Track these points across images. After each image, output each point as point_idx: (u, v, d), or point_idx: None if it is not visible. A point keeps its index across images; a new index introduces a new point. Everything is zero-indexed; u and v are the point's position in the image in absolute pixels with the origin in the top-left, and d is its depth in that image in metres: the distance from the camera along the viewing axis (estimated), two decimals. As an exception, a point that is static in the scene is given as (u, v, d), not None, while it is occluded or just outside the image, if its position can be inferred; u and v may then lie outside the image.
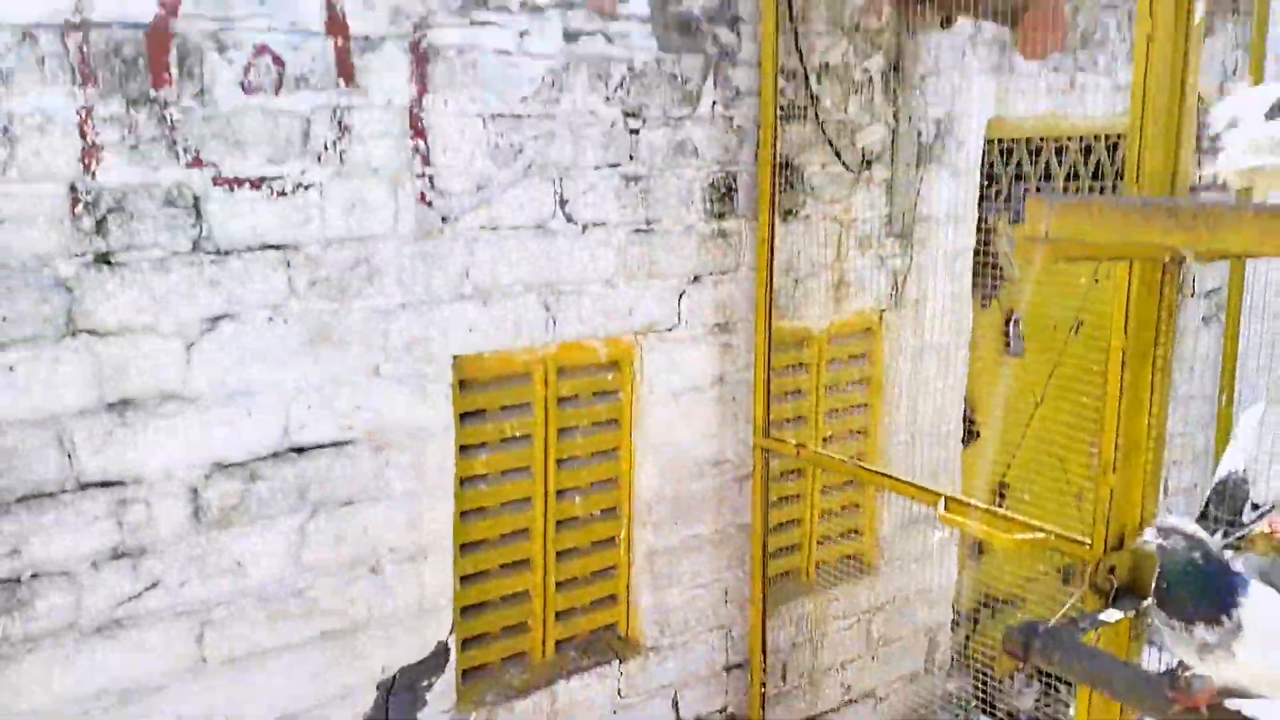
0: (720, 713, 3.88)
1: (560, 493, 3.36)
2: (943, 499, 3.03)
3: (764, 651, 3.83)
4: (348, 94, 2.72)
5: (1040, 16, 3.10)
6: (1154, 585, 1.97)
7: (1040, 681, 4.73)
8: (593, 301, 3.22)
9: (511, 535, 3.28)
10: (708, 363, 3.58)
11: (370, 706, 2.96)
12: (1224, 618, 1.85)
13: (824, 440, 4.04)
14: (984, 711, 4.47)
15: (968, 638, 4.90)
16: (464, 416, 3.10)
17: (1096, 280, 5.20)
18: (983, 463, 4.79)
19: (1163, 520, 2.04)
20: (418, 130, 2.83)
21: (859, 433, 4.24)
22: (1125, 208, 1.94)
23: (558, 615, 3.42)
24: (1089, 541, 2.61)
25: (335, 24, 2.69)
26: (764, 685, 3.85)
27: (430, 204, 2.87)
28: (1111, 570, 2.56)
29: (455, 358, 2.99)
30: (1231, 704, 1.93)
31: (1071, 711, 4.65)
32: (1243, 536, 2.82)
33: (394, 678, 3.00)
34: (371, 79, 2.75)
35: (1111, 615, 2.47)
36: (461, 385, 3.06)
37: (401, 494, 2.94)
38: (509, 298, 3.04)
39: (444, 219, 2.89)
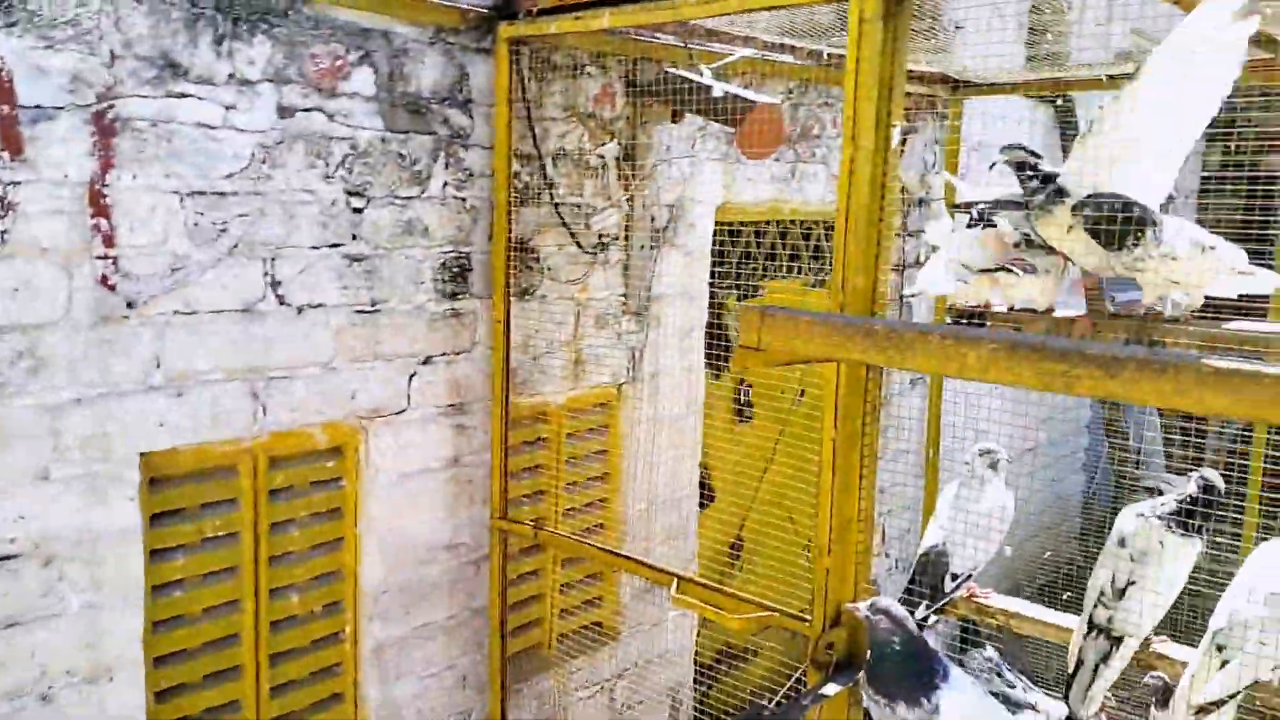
0: (458, 803, 3.63)
1: (275, 591, 2.99)
2: (675, 581, 2.97)
3: (503, 734, 3.63)
4: (13, 168, 2.32)
5: (758, 121, 3.16)
6: (867, 655, 2.00)
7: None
8: (308, 386, 2.92)
9: (217, 642, 2.86)
10: (441, 444, 3.36)
11: None
12: (924, 699, 1.88)
13: (564, 513, 3.91)
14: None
15: (707, 691, 4.91)
16: (157, 517, 2.70)
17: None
18: (718, 522, 4.84)
19: (875, 601, 2.06)
20: (99, 208, 2.46)
21: (599, 502, 4.13)
22: (828, 325, 1.93)
23: (273, 722, 3.07)
24: (809, 619, 2.61)
25: (0, 92, 2.30)
26: (504, 768, 3.64)
27: (113, 287, 2.49)
28: (830, 646, 2.57)
29: (143, 455, 2.59)
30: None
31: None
32: (945, 604, 2.94)
33: (70, 817, 2.55)
34: (43, 152, 2.36)
35: (831, 689, 2.46)
36: (153, 483, 2.66)
37: (78, 609, 2.50)
38: (208, 386, 2.68)
39: (129, 304, 2.52)
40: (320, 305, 2.91)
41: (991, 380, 1.65)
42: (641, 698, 4.38)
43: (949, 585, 2.78)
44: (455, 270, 3.26)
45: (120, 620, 2.57)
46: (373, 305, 3.04)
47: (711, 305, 4.47)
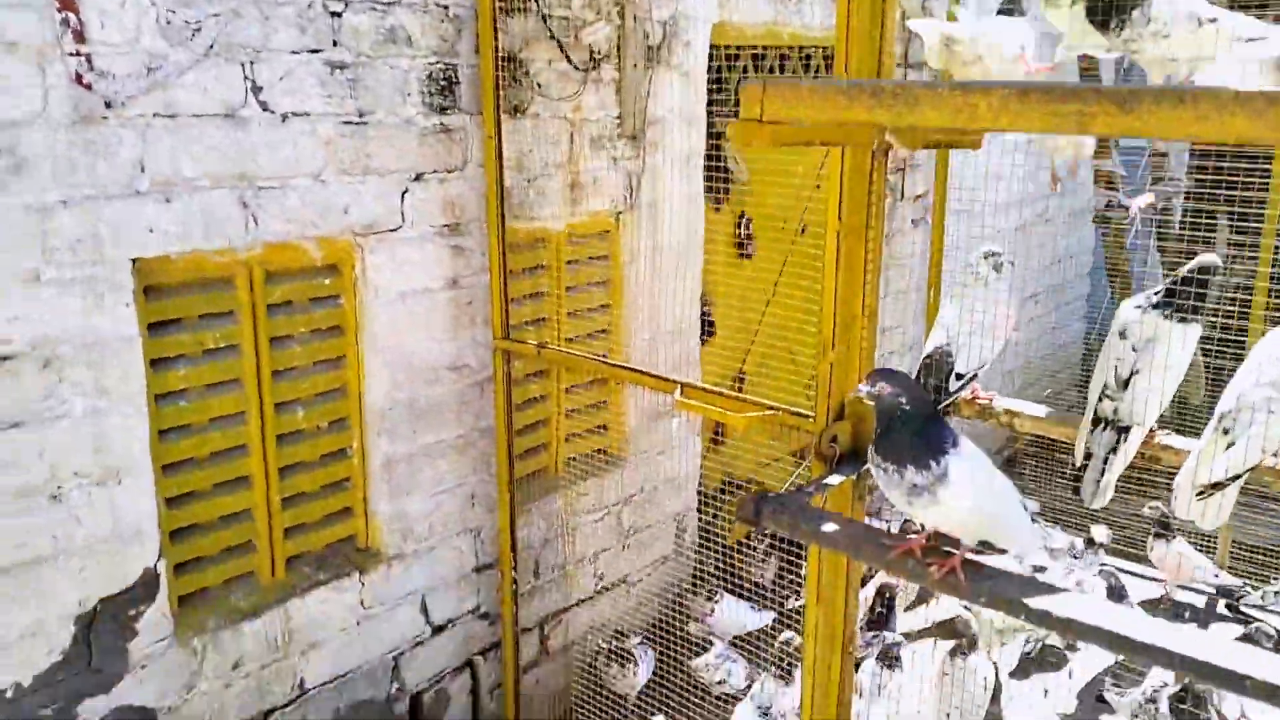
0: (472, 613, 3.69)
1: (280, 405, 2.97)
2: (679, 386, 2.92)
3: (514, 550, 3.65)
4: (-30, -48, 2.17)
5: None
6: (874, 432, 1.94)
7: (779, 554, 4.87)
8: (300, 198, 2.82)
9: (225, 453, 2.86)
10: (439, 265, 3.27)
11: (68, 642, 2.55)
12: (932, 463, 1.84)
13: (566, 341, 3.86)
14: (729, 586, 4.53)
15: (713, 519, 4.97)
16: (156, 327, 2.64)
17: (819, 186, 5.27)
18: (720, 357, 4.79)
19: (878, 370, 1.99)
20: (66, 1, 2.31)
21: (601, 333, 4.07)
22: (832, 87, 1.81)
23: (287, 532, 3.06)
24: (813, 415, 2.57)
25: None
26: (515, 582, 3.68)
27: (89, 86, 2.36)
28: (834, 439, 2.54)
29: (136, 261, 2.52)
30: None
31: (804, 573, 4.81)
32: (950, 403, 2.88)
33: (94, 610, 2.58)
34: (0, -65, 2.20)
35: (834, 479, 2.44)
36: (148, 292, 2.60)
37: (83, 413, 2.47)
38: (196, 193, 2.58)
39: (108, 103, 2.39)
40: (305, 114, 2.78)
41: (1003, 127, 1.54)
42: (648, 523, 4.43)
43: (953, 384, 2.72)
44: (442, 83, 3.10)
45: (126, 425, 2.55)
46: (359, 116, 2.90)
47: (710, 133, 4.29)
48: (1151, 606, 4.77)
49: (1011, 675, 4.59)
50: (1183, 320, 2.33)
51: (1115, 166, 7.28)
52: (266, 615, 2.96)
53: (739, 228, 4.87)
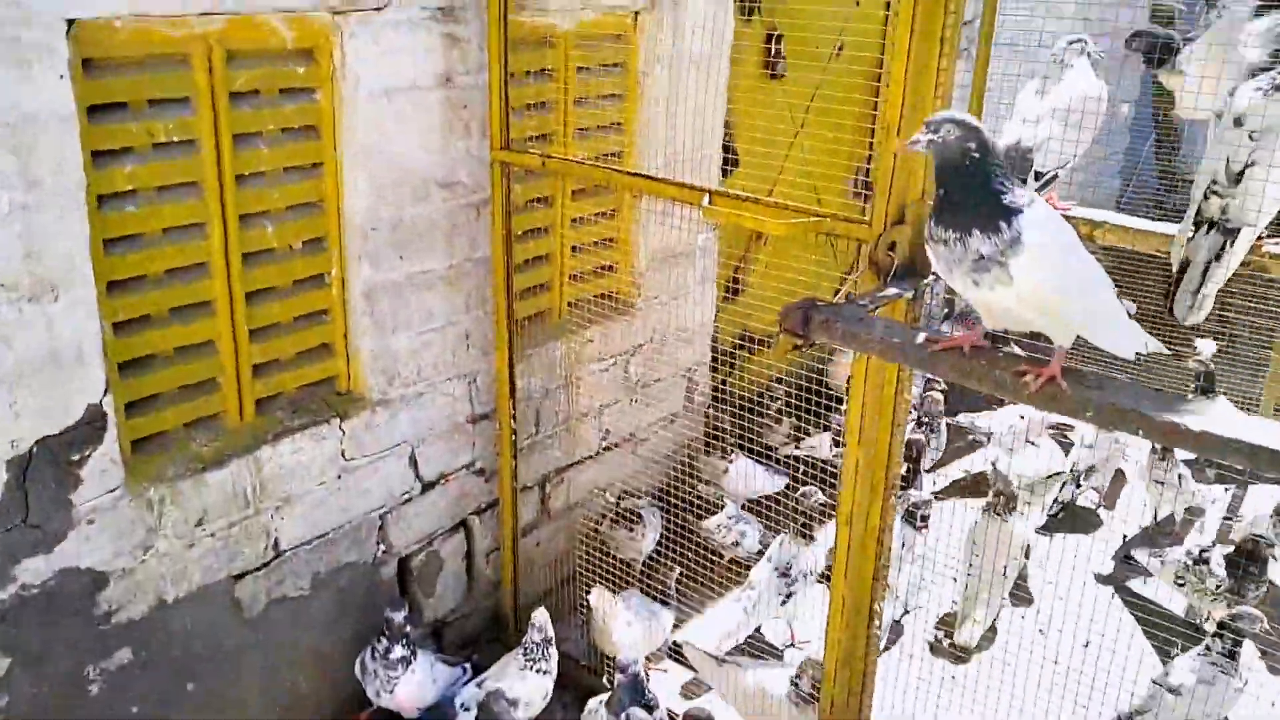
0: (467, 468, 3.48)
1: (246, 218, 2.65)
2: (707, 194, 2.63)
3: (513, 399, 3.42)
4: None
5: None
6: (935, 199, 1.67)
7: (790, 417, 4.70)
8: (265, -42, 2.44)
9: (181, 271, 2.56)
10: (430, 56, 2.90)
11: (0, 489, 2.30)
12: (1003, 225, 1.57)
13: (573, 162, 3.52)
14: (742, 448, 4.37)
15: (726, 378, 4.77)
16: (97, 110, 2.30)
17: (858, 3, 4.86)
18: (741, 191, 4.47)
19: (934, 115, 1.72)
20: None
21: (612, 155, 3.75)
22: None
23: (256, 370, 2.80)
24: (868, 219, 2.31)
25: None
26: (515, 435, 3.47)
27: None
28: (892, 247, 2.28)
29: (72, 23, 2.15)
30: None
31: (815, 441, 4.67)
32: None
33: (29, 453, 2.32)
34: None
35: (892, 291, 2.21)
36: (87, 65, 2.23)
37: (9, 209, 2.16)
38: (137, -62, 2.21)
39: None
40: None
41: None
42: (658, 376, 4.21)
43: (1033, 184, 2.45)
44: None
45: (62, 227, 2.23)
46: None
47: (743, -77, 3.86)
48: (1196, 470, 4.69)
49: (1039, 532, 4.54)
50: None
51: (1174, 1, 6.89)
52: (234, 465, 2.73)
53: (770, 43, 4.47)
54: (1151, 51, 2.60)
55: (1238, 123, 2.10)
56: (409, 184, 2.96)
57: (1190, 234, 2.18)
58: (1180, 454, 4.39)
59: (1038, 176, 2.44)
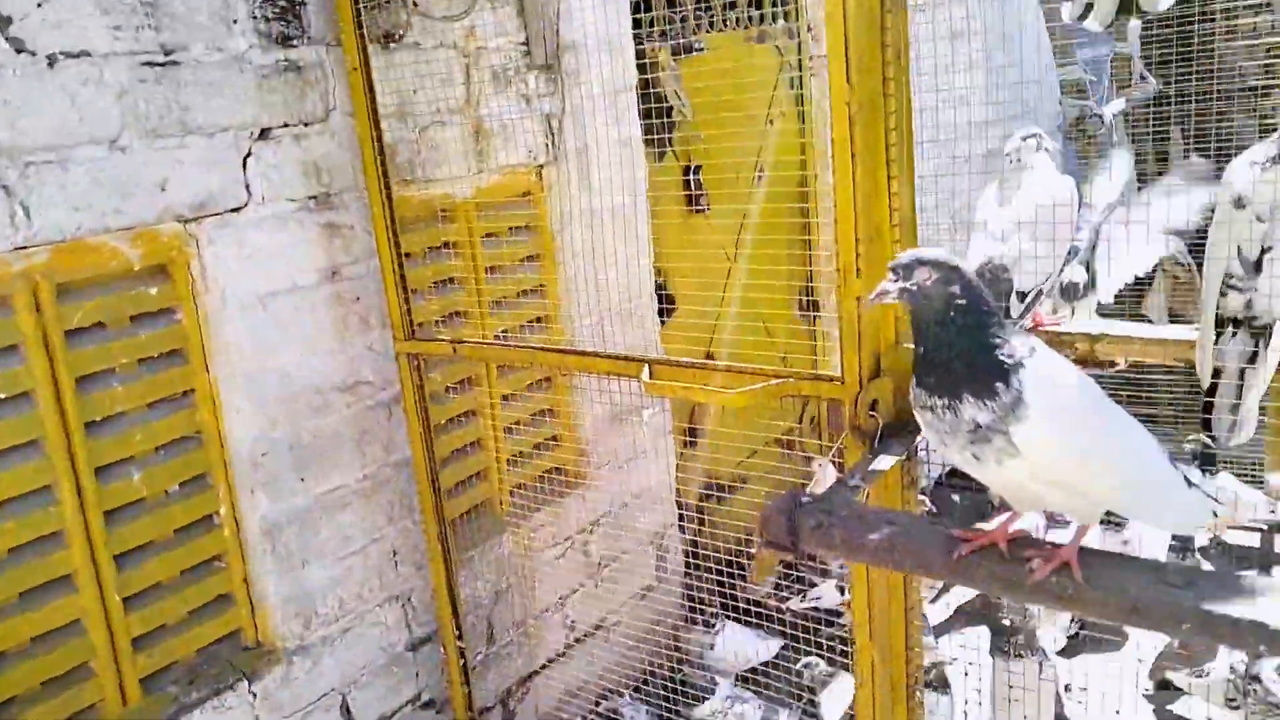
0: (412, 703, 3.00)
1: (105, 469, 2.25)
2: (646, 365, 2.29)
3: (456, 614, 2.98)
4: None
5: None
6: (914, 356, 1.37)
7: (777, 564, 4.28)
8: (91, 175, 2.10)
9: (31, 546, 2.15)
10: (309, 251, 2.57)
11: None
12: (999, 386, 1.26)
13: (496, 337, 3.19)
14: (726, 609, 3.93)
15: (698, 535, 4.36)
16: (-111, 379, 1.93)
17: (771, 121, 4.69)
18: (684, 337, 4.17)
19: (900, 257, 1.39)
20: None
21: (537, 323, 3.42)
22: None
23: (137, 643, 2.34)
24: (839, 375, 1.96)
25: None
26: (463, 654, 3.02)
27: None
28: (873, 406, 1.93)
29: None
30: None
31: (819, 591, 4.24)
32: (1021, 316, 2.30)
33: None
34: None
35: (884, 462, 1.84)
36: None
37: None
38: (-82, 178, 1.88)
39: None
40: (83, 54, 2.07)
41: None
42: (622, 549, 3.79)
43: (1016, 308, 2.14)
44: (282, 3, 2.41)
45: None
46: (165, 54, 2.20)
47: (640, 62, 3.66)
48: (1203, 554, 4.30)
49: (1060, 655, 4.09)
50: None
51: (1084, 73, 6.92)
52: (122, 761, 2.25)
53: (687, 178, 4.25)
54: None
55: (1239, 204, 1.82)
56: (302, 396, 2.59)
57: (1214, 336, 1.87)
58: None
59: (1020, 297, 2.13)
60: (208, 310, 2.39)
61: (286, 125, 2.45)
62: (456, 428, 3.10)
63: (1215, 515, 1.40)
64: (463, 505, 3.15)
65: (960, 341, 1.29)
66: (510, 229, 3.24)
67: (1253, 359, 1.80)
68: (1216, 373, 1.84)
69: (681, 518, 4.22)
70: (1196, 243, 5.78)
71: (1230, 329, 1.83)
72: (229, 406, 2.45)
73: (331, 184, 2.58)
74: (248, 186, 2.39)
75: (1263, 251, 1.82)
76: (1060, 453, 1.27)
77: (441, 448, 2.96)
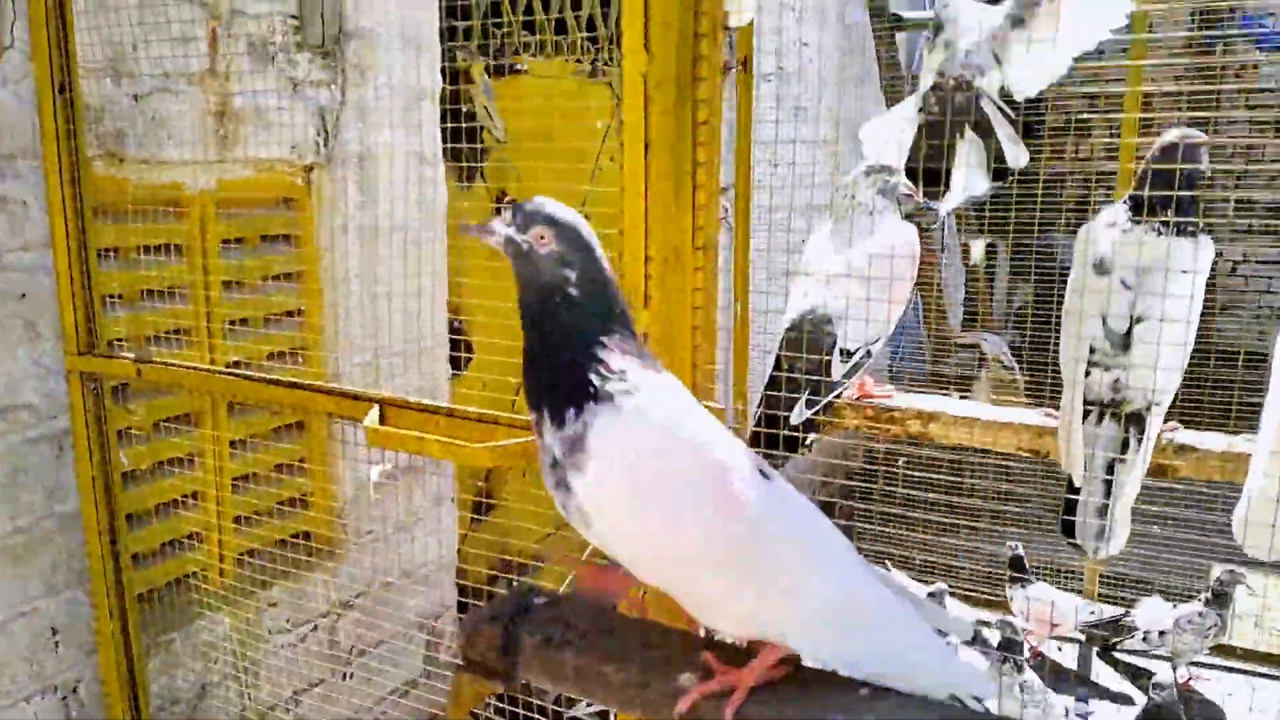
0: (58, 832, 2.30)
1: None
2: (375, 407, 1.76)
3: (136, 711, 2.32)
4: None
5: None
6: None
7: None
8: None
9: None
10: (-50, 228, 1.96)
11: None
12: (569, 412, 0.93)
13: (232, 367, 2.59)
14: (501, 712, 3.35)
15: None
16: None
17: (600, 167, 4.33)
18: (482, 391, 3.66)
19: (528, 202, 1.03)
20: None
21: (290, 354, 2.85)
22: None
23: None
24: None
25: None
26: (142, 767, 2.35)
27: None
28: None
29: None
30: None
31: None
32: (833, 399, 1.91)
33: None
34: None
35: None
36: None
37: None
38: None
39: None
40: None
41: None
42: (380, 636, 3.18)
43: (839, 369, 1.75)
44: (-64, -107, 1.83)
45: None
46: None
47: (450, 71, 3.21)
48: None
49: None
50: (1186, 233, 1.54)
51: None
52: None
53: (500, 213, 3.79)
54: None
55: (1101, 269, 1.51)
56: (-80, 416, 1.93)
57: (1080, 423, 1.52)
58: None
59: (845, 355, 1.75)
60: None
61: (-74, 52, 1.85)
62: (164, 475, 2.47)
63: (958, 700, 0.97)
64: (164, 574, 2.50)
65: (556, 341, 0.96)
66: (263, 237, 2.67)
67: (1123, 450, 1.46)
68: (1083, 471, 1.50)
69: (463, 601, 3.65)
70: (1019, 345, 5.77)
71: (1096, 414, 1.50)
72: None
73: (-3, 142, 1.98)
74: None
75: (1133, 322, 1.52)
76: (621, 528, 0.93)
77: (136, 500, 2.34)
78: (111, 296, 2.22)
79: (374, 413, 1.69)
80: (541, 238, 0.98)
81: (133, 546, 2.31)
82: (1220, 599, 3.77)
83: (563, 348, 0.96)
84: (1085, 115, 5.58)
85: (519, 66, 3.61)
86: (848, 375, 1.76)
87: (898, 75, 6.24)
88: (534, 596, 1.13)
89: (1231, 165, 5.77)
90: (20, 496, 2.13)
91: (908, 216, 6.40)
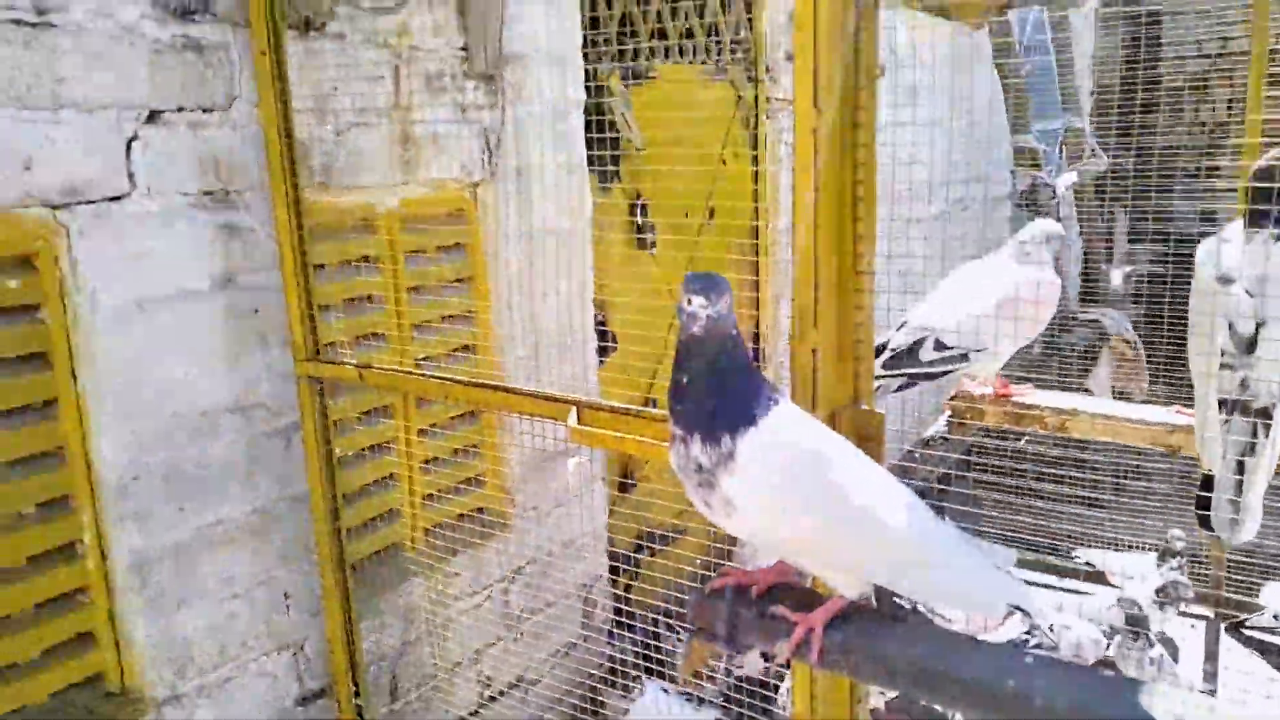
0: (299, 766, 2.67)
1: (-60, 486, 1.94)
2: (574, 410, 2.03)
3: (353, 666, 2.66)
4: None
5: None
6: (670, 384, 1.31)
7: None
8: (-65, 144, 1.82)
9: None
10: (201, 253, 2.28)
11: None
12: (724, 434, 1.18)
13: (417, 364, 2.91)
14: (652, 673, 3.62)
15: (629, 588, 4.06)
16: None
17: (724, 161, 4.52)
18: (624, 377, 3.92)
19: (706, 278, 1.22)
20: None
21: (464, 351, 3.15)
22: None
23: (-27, 688, 2.02)
24: None
25: None
26: (360, 712, 2.69)
27: None
28: None
29: None
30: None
31: (753, 658, 3.95)
32: (920, 374, 2.09)
33: None
34: None
35: None
36: None
37: None
38: None
39: None
40: (-64, 5, 1.78)
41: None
42: (546, 601, 3.49)
43: (929, 354, 1.94)
44: (187, -26, 2.15)
45: None
46: (39, 13, 1.92)
47: (589, 83, 3.46)
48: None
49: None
50: None
51: (1037, 143, 6.90)
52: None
53: (635, 213, 4.03)
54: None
55: (1225, 280, 1.65)
56: (186, 416, 2.28)
57: (1220, 421, 1.67)
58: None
59: (940, 346, 1.94)
60: (77, 311, 2.08)
61: (181, 109, 2.18)
62: (367, 461, 2.80)
63: (1019, 609, 1.29)
64: (369, 546, 2.84)
65: (718, 379, 1.20)
66: (439, 248, 2.98)
67: (1252, 446, 1.60)
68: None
69: (613, 569, 3.93)
70: (1137, 320, 5.71)
71: (1227, 412, 1.64)
72: (96, 423, 2.13)
73: (231, 180, 2.31)
74: (130, 173, 2.10)
75: (1258, 327, 1.65)
76: (768, 515, 1.20)
77: (347, 482, 2.66)
78: (323, 307, 2.55)
79: (573, 414, 1.94)
80: (726, 306, 1.22)
81: (346, 523, 2.64)
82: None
83: (725, 383, 1.20)
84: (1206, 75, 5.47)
85: (650, 72, 3.83)
86: (945, 362, 1.94)
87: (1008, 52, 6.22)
88: (742, 585, 1.36)
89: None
90: (258, 483, 2.48)
91: (1027, 191, 6.38)
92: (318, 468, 2.45)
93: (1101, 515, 4.52)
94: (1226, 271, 1.68)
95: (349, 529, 2.69)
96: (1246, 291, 1.66)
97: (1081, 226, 6.99)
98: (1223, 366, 1.67)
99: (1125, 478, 4.91)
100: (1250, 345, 1.65)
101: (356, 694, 2.65)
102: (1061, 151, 7.20)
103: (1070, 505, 4.60)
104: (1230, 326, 1.67)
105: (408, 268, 2.86)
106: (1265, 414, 1.62)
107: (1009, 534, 3.96)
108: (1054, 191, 6.68)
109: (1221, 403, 1.66)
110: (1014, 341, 2.13)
